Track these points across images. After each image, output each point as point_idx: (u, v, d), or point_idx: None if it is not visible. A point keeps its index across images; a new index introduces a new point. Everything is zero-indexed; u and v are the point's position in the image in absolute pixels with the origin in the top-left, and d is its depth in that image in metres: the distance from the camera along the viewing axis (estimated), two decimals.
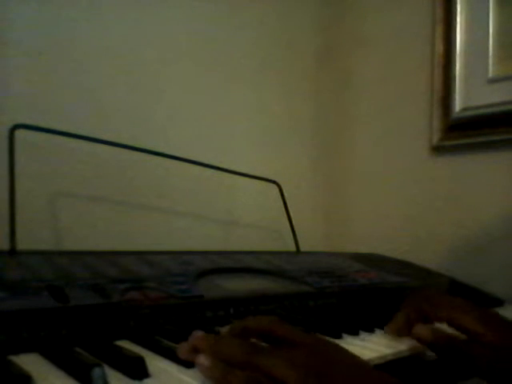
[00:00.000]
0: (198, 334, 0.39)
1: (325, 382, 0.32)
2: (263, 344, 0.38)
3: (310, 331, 0.47)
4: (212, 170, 0.90)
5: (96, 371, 0.31)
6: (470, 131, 0.98)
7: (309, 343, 0.36)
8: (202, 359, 0.34)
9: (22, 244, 0.60)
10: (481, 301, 0.76)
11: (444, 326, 0.49)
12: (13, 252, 0.58)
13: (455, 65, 1.00)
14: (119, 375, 0.34)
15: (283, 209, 1.00)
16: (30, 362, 0.35)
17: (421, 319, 0.50)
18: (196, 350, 0.36)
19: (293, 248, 0.99)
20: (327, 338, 0.48)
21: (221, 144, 1.02)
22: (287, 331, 0.38)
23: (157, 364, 0.37)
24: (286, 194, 1.00)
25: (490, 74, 0.95)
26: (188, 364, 0.37)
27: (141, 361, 0.35)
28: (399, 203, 1.11)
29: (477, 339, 0.46)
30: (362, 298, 0.69)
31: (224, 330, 0.41)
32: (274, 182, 1.00)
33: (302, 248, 1.00)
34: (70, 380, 0.32)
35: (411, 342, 0.48)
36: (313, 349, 0.36)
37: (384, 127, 1.15)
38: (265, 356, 0.34)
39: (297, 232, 1.00)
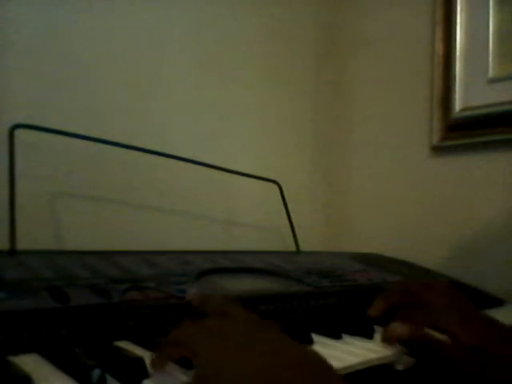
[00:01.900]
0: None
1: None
2: None
3: (309, 331, 0.47)
4: (212, 170, 0.90)
5: (95, 372, 0.31)
6: (469, 131, 0.98)
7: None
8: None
9: (22, 244, 0.60)
10: (481, 301, 0.76)
11: None
12: (13, 252, 0.58)
13: (455, 65, 1.00)
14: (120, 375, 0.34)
15: (283, 209, 1.00)
16: (30, 363, 0.35)
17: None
18: None
19: (293, 248, 0.99)
20: (327, 338, 0.48)
21: (221, 144, 1.02)
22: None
23: None
24: (285, 194, 1.00)
25: (490, 74, 0.95)
26: (188, 365, 0.37)
27: (141, 361, 0.35)
28: (399, 203, 1.11)
29: (455, 340, 0.45)
30: (361, 297, 0.69)
31: None
32: (274, 182, 1.00)
33: (302, 248, 1.00)
34: (69, 381, 0.32)
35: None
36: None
37: (384, 127, 1.15)
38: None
39: (297, 232, 1.00)
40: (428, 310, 0.50)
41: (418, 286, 0.55)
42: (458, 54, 1.00)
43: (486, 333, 0.47)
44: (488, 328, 0.48)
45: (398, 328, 0.46)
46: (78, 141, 0.72)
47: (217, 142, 1.02)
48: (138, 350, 0.39)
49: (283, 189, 1.01)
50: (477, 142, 0.97)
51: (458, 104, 0.99)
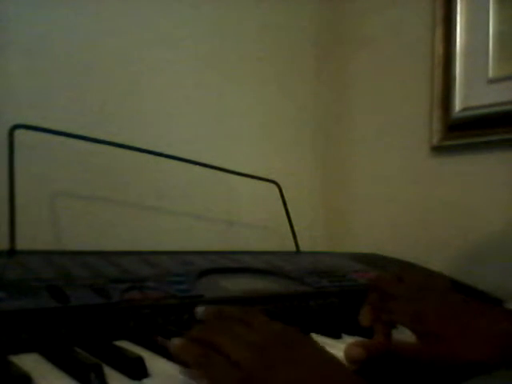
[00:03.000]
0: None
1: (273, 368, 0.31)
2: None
3: (309, 331, 0.47)
4: (212, 170, 0.90)
5: (95, 372, 0.31)
6: (470, 131, 0.98)
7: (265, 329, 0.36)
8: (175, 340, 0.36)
9: (22, 244, 0.60)
10: (480, 301, 0.75)
11: None
12: (13, 252, 0.58)
13: (455, 65, 1.00)
14: (119, 375, 0.34)
15: (283, 209, 1.00)
16: (30, 362, 0.35)
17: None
18: None
19: (293, 248, 0.99)
20: (327, 337, 0.48)
21: (221, 144, 1.02)
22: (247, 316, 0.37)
23: (156, 364, 0.37)
24: (285, 194, 1.00)
25: (490, 74, 0.95)
26: (188, 364, 0.37)
27: (140, 361, 0.35)
28: (399, 203, 1.11)
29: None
30: (362, 297, 0.69)
31: None
32: (274, 182, 1.00)
33: (302, 248, 1.00)
34: (69, 380, 0.32)
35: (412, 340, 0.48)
36: (269, 335, 0.35)
37: (384, 127, 1.15)
38: (220, 335, 0.35)
39: (297, 232, 1.00)
40: (389, 306, 0.49)
41: (387, 280, 0.54)
42: (458, 53, 1.00)
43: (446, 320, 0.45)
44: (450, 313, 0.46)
45: (353, 351, 0.43)
46: (78, 141, 0.72)
47: (217, 141, 1.02)
48: (137, 350, 0.40)
49: (283, 189, 1.01)
50: (477, 142, 0.97)
51: (458, 104, 0.99)
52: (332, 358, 0.34)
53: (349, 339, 0.49)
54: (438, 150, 1.04)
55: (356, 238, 1.19)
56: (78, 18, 0.82)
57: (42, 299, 0.42)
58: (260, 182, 0.98)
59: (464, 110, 0.99)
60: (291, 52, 1.19)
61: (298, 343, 0.35)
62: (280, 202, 1.00)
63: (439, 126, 1.03)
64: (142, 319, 0.46)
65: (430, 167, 1.06)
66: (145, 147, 0.79)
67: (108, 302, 0.45)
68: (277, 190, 1.00)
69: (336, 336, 0.49)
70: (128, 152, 0.78)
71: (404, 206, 1.10)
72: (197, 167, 0.87)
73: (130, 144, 0.77)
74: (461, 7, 1.00)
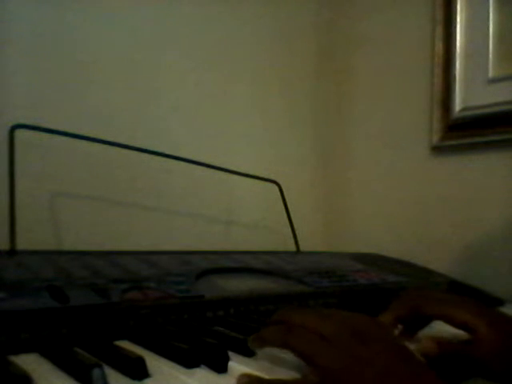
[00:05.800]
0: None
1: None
2: None
3: None
4: (212, 170, 0.90)
5: (96, 372, 0.31)
6: (470, 131, 0.98)
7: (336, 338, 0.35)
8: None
9: (22, 244, 0.60)
10: (480, 300, 0.75)
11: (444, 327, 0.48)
12: (13, 252, 0.58)
13: (455, 65, 1.00)
14: (119, 375, 0.34)
15: (283, 209, 1.00)
16: (30, 362, 0.35)
17: (411, 316, 0.49)
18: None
19: (293, 248, 0.99)
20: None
21: (221, 144, 1.02)
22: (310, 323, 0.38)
23: (157, 364, 0.37)
24: (285, 194, 1.00)
25: (490, 74, 0.95)
26: (188, 364, 0.37)
27: (141, 361, 0.35)
28: (399, 203, 1.11)
29: (476, 334, 0.44)
30: (362, 297, 0.69)
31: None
32: (274, 182, 1.00)
33: (302, 248, 1.00)
34: (69, 380, 0.32)
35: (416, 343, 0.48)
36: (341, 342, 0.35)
37: (384, 127, 1.15)
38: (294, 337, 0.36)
39: (297, 232, 1.00)
40: (438, 305, 0.48)
41: (430, 298, 0.52)
42: (457, 54, 1.00)
43: (503, 324, 0.45)
44: (503, 319, 0.46)
45: (428, 344, 0.44)
46: (78, 141, 0.72)
47: (217, 141, 1.02)
48: (138, 350, 0.40)
49: (283, 189, 1.01)
50: (477, 142, 0.97)
51: (458, 104, 0.99)
52: (410, 355, 0.35)
53: None
54: (438, 149, 1.04)
55: (356, 238, 1.19)
56: (79, 18, 0.82)
57: (42, 299, 0.42)
58: (260, 181, 0.98)
59: (464, 109, 0.99)
60: (291, 52, 1.19)
61: (375, 335, 0.36)
62: (280, 201, 1.00)
63: (439, 126, 1.03)
64: (142, 319, 0.46)
65: (430, 167, 1.06)
66: (145, 147, 0.79)
67: (108, 302, 0.45)
68: (277, 189, 1.00)
69: None
70: (128, 152, 0.78)
71: (404, 205, 1.10)
72: (197, 167, 0.87)
73: (131, 144, 0.77)
74: (461, 7, 1.00)
